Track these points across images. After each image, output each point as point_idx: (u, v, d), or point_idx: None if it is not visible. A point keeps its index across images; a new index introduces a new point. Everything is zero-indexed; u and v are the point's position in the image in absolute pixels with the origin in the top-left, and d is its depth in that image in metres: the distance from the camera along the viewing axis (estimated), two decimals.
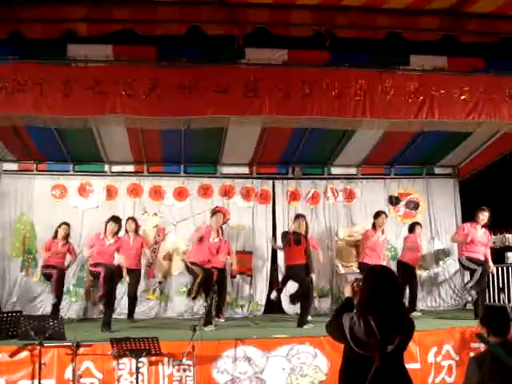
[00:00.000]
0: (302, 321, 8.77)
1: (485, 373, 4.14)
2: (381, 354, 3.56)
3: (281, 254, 10.52)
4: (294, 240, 9.21)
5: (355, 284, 4.00)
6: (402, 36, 7.84)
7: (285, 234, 9.69)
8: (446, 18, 7.79)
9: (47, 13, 7.31)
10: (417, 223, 11.04)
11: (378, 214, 10.24)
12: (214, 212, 9.79)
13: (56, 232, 10.06)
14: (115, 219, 9.29)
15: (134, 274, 10.13)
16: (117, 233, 9.21)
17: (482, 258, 9.50)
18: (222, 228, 10.04)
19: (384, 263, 9.97)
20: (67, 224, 10.16)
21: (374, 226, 10.19)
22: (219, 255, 9.60)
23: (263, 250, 11.57)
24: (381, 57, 8.23)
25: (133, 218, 10.46)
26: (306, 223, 9.56)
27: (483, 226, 9.67)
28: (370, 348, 3.53)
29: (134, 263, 10.07)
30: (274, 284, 10.96)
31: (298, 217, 9.64)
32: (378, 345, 3.54)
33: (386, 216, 10.31)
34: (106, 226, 9.13)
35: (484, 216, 9.62)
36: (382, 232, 10.16)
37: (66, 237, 10.10)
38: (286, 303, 10.72)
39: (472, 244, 9.51)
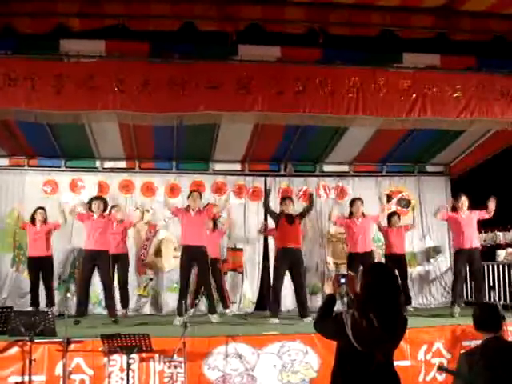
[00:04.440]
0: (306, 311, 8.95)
1: (474, 369, 4.17)
2: (383, 351, 3.58)
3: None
4: (287, 219, 9.17)
5: (335, 281, 4.02)
6: (395, 34, 7.87)
7: (275, 215, 9.53)
8: (439, 16, 7.82)
9: (39, 7, 7.29)
10: (393, 214, 11.02)
11: (353, 202, 10.18)
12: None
13: (33, 218, 10.06)
14: (98, 197, 9.39)
15: (122, 258, 10.13)
16: (103, 211, 9.24)
17: (472, 245, 9.49)
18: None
19: (372, 247, 10.17)
20: (43, 208, 10.14)
21: (350, 214, 10.12)
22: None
23: (255, 247, 11.57)
24: (374, 54, 8.25)
25: (118, 206, 10.25)
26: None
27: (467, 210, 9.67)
28: (371, 345, 3.54)
29: (120, 248, 10.04)
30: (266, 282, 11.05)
31: (285, 199, 9.60)
32: (380, 341, 3.55)
33: (362, 202, 10.14)
34: (90, 205, 9.22)
35: (461, 201, 9.65)
36: (363, 215, 10.07)
37: (44, 221, 10.08)
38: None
39: (460, 232, 9.55)
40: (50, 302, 9.86)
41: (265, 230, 11.05)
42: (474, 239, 9.60)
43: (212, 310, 8.90)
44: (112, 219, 9.56)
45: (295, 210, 9.71)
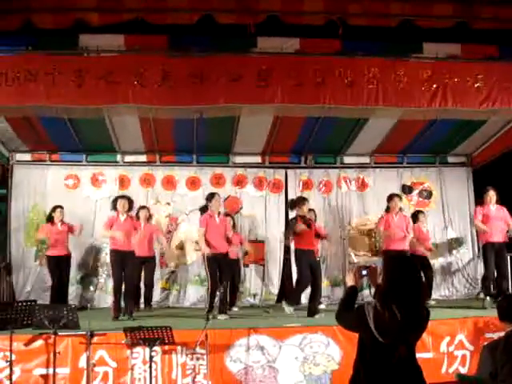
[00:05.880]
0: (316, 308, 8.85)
1: (498, 361, 4.16)
2: (405, 343, 3.56)
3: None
4: (304, 222, 9.11)
5: (357, 273, 4.02)
6: (414, 24, 7.79)
7: (292, 222, 9.32)
8: (459, 4, 7.74)
9: (58, 3, 7.35)
10: (420, 211, 10.89)
11: (390, 198, 9.98)
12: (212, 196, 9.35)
13: (51, 217, 10.07)
14: (124, 196, 9.32)
15: (149, 261, 10.21)
16: (128, 211, 9.14)
17: (499, 239, 9.39)
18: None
19: (407, 244, 9.87)
20: (62, 207, 10.15)
21: (387, 210, 9.95)
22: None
23: (276, 240, 11.56)
24: (394, 45, 8.17)
25: (146, 207, 10.48)
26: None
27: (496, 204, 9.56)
28: (393, 337, 3.53)
29: (147, 250, 10.10)
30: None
31: (304, 200, 9.45)
32: (403, 333, 3.54)
33: (400, 198, 10.13)
34: (115, 204, 9.09)
35: (489, 195, 9.50)
36: (398, 212, 9.90)
37: (62, 220, 10.11)
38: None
39: (488, 226, 9.37)
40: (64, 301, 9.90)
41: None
42: (501, 233, 9.45)
43: (223, 309, 8.78)
44: (137, 223, 9.54)
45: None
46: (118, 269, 8.81)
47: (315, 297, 9.07)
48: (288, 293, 9.11)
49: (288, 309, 8.78)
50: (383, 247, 10.05)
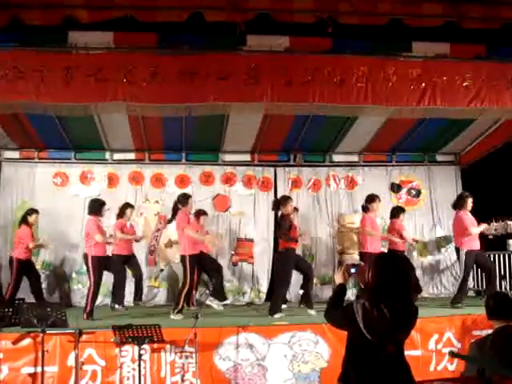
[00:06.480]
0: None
1: (485, 357, 4.18)
2: (393, 341, 3.58)
3: None
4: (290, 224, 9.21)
5: (346, 271, 4.03)
6: (404, 22, 7.78)
7: (285, 222, 9.25)
8: (449, 4, 7.72)
9: None
10: (401, 208, 10.86)
11: (372, 199, 9.90)
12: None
13: (26, 221, 9.80)
14: (104, 202, 9.36)
15: (131, 258, 10.21)
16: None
17: (479, 246, 9.45)
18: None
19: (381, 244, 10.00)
20: (38, 212, 10.02)
21: (367, 210, 9.87)
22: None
23: (265, 238, 11.58)
24: (383, 43, 8.18)
25: (132, 205, 10.50)
26: None
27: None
28: (382, 335, 3.54)
29: (129, 249, 10.20)
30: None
31: (288, 199, 9.46)
32: (391, 331, 3.55)
33: (380, 200, 10.10)
34: (101, 207, 9.06)
35: (471, 201, 9.53)
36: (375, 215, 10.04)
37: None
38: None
39: (468, 233, 9.34)
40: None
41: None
42: (478, 240, 9.48)
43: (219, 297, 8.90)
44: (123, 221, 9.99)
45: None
46: (99, 274, 8.82)
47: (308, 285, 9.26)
48: (273, 302, 9.05)
49: (278, 315, 8.66)
50: (364, 248, 9.89)
